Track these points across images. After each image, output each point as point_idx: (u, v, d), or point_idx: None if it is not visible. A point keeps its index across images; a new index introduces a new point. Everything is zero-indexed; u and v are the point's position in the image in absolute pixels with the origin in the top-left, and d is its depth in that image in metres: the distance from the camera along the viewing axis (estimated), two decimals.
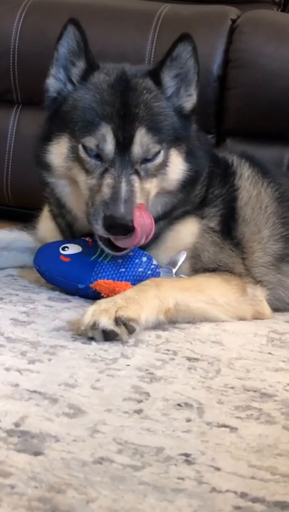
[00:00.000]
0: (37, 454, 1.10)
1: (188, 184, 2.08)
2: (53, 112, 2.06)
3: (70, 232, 2.17)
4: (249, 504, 1.04)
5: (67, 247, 2.06)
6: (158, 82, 2.03)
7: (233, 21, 2.97)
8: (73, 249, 2.06)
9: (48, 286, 2.11)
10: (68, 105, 2.01)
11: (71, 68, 2.03)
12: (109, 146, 1.91)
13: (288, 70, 2.80)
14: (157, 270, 2.04)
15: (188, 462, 1.14)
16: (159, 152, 1.97)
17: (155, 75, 2.03)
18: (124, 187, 1.87)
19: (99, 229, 1.88)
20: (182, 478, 1.09)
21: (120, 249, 1.94)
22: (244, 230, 2.22)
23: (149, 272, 2.03)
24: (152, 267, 2.04)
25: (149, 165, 1.96)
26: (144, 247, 2.07)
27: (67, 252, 2.05)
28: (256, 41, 2.88)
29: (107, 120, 1.93)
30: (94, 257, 2.03)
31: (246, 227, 2.23)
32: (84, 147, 1.94)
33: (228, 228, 2.20)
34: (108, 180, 1.89)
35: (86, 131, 1.94)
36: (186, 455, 1.16)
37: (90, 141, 1.93)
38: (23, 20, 3.04)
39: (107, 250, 1.96)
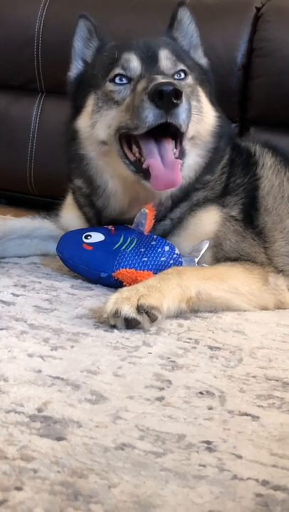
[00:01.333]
0: (59, 439, 1.10)
1: (216, 136, 2.12)
2: (75, 89, 2.15)
3: (97, 219, 2.17)
4: (271, 492, 1.04)
5: (90, 236, 2.07)
6: (173, 39, 2.14)
7: (258, 9, 2.94)
8: (96, 237, 2.06)
9: (70, 274, 2.11)
10: (88, 72, 2.12)
11: (86, 52, 2.14)
12: (135, 63, 1.97)
13: None
14: (179, 259, 2.04)
15: (210, 450, 1.14)
16: (186, 75, 2.02)
17: (169, 34, 2.16)
18: (159, 77, 1.87)
19: (148, 114, 1.81)
20: (204, 466, 1.09)
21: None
22: (266, 219, 2.21)
23: (172, 261, 2.02)
24: (175, 256, 2.04)
25: (183, 83, 1.99)
26: (166, 235, 2.08)
27: (89, 240, 2.05)
28: (281, 30, 2.85)
29: (128, 50, 2.00)
30: (116, 246, 2.03)
31: (268, 217, 2.22)
32: (111, 81, 1.98)
33: (250, 217, 2.19)
34: (142, 83, 1.89)
35: (109, 68, 2.00)
36: (208, 442, 1.16)
37: (116, 71, 1.98)
38: (47, 10, 3.05)
39: (149, 185, 1.88)
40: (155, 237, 2.05)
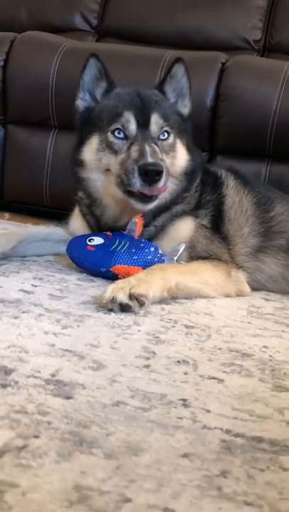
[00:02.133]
0: (68, 398, 1.10)
1: (188, 173, 2.09)
2: (83, 122, 2.08)
3: (97, 226, 2.15)
4: (232, 438, 1.04)
5: (93, 239, 2.06)
6: (163, 92, 2.08)
7: (223, 64, 2.94)
8: (97, 240, 2.05)
9: (77, 270, 2.10)
10: (96, 112, 2.04)
11: (96, 90, 2.07)
12: (132, 126, 1.94)
13: (265, 104, 2.77)
14: (162, 258, 2.04)
15: (185, 405, 1.15)
16: (169, 134, 1.99)
17: (160, 87, 2.09)
18: (148, 148, 1.88)
19: (136, 183, 1.85)
20: (180, 418, 1.09)
21: (148, 201, 1.91)
22: (229, 227, 2.21)
23: (156, 259, 2.02)
24: (158, 255, 2.03)
25: (164, 143, 1.98)
26: (152, 239, 2.08)
27: (92, 243, 2.05)
28: (241, 80, 2.85)
29: (128, 109, 1.96)
30: (113, 247, 2.02)
31: (231, 226, 2.22)
32: (112, 133, 1.95)
33: (217, 226, 2.19)
34: (135, 147, 1.90)
35: (112, 121, 1.96)
36: (184, 400, 1.17)
37: (117, 125, 1.95)
38: (60, 63, 3.02)
39: (138, 205, 1.92)
40: (143, 240, 2.05)
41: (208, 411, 1.13)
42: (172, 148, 2.01)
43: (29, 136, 3.14)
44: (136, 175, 1.84)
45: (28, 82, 3.06)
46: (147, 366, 1.31)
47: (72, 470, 0.87)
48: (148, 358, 1.36)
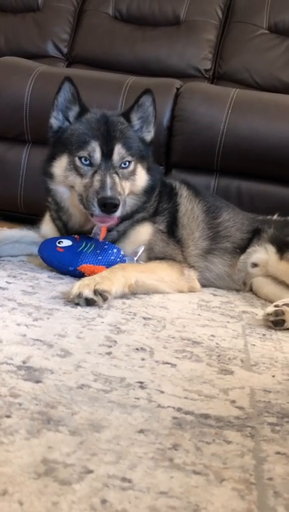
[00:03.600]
0: (38, 381, 1.08)
1: (148, 190, 2.08)
2: (56, 140, 2.03)
3: (65, 230, 2.13)
4: (183, 415, 1.04)
5: (62, 241, 2.03)
6: (128, 120, 2.04)
7: (178, 89, 2.95)
8: (66, 243, 2.03)
9: (48, 269, 2.08)
10: (67, 134, 1.99)
11: (68, 111, 2.02)
12: (97, 155, 1.91)
13: (214, 124, 2.79)
14: (124, 258, 2.03)
15: (142, 387, 1.14)
16: (130, 162, 1.97)
17: (126, 115, 2.05)
18: (109, 179, 1.86)
19: (95, 210, 1.84)
20: (138, 398, 1.08)
21: (106, 222, 1.91)
22: (182, 232, 2.22)
23: (118, 260, 2.01)
24: (120, 255, 2.02)
25: (125, 170, 1.96)
26: (114, 242, 2.07)
27: (61, 244, 2.02)
28: (193, 103, 2.86)
29: (95, 139, 1.92)
30: (80, 249, 2.00)
31: (184, 230, 2.22)
32: (79, 158, 1.92)
33: (172, 230, 2.19)
34: (97, 177, 1.88)
35: (80, 147, 1.92)
36: (141, 383, 1.16)
37: (84, 153, 1.92)
38: (33, 85, 2.98)
39: (98, 224, 1.93)
40: (107, 242, 2.04)
41: (162, 392, 1.13)
42: (132, 173, 1.99)
43: (5, 150, 3.09)
44: (96, 205, 1.84)
45: (4, 102, 3.01)
46: (109, 353, 1.30)
47: (40, 445, 0.85)
48: (110, 346, 1.35)
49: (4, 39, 3.95)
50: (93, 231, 2.02)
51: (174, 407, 1.07)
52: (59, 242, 2.03)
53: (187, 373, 1.25)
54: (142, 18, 3.94)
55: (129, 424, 0.97)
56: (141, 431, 0.95)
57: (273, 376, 1.32)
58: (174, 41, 3.84)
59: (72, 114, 2.01)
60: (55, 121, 2.03)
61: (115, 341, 1.39)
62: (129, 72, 3.58)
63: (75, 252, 2.00)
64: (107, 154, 1.92)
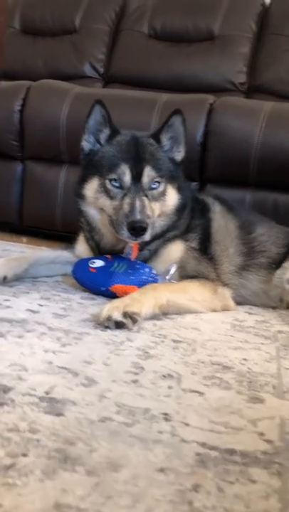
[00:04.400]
0: (59, 415, 1.04)
1: (179, 209, 2.04)
2: (87, 162, 2.03)
3: (98, 250, 2.11)
4: (207, 451, 0.98)
5: (94, 262, 2.01)
6: (158, 140, 2.00)
7: (211, 104, 2.92)
8: (98, 263, 2.00)
9: (81, 289, 2.06)
10: (98, 157, 1.98)
11: (99, 134, 2.00)
12: (127, 178, 1.89)
13: (247, 138, 2.74)
14: (156, 277, 1.99)
15: (167, 419, 1.08)
16: (160, 183, 1.94)
17: (156, 136, 2.01)
18: (138, 203, 1.84)
19: (124, 233, 1.84)
20: (161, 432, 1.03)
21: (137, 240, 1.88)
22: (216, 248, 2.16)
23: (150, 279, 1.96)
24: (152, 275, 1.98)
25: (154, 192, 1.93)
26: (146, 261, 2.03)
27: (94, 265, 2.00)
28: (226, 118, 2.82)
29: (125, 162, 1.90)
30: (112, 269, 1.97)
31: (217, 247, 2.17)
32: (110, 181, 1.91)
33: (205, 247, 2.14)
34: (127, 200, 1.86)
35: (111, 170, 1.91)
36: (165, 414, 1.10)
37: (114, 176, 1.90)
38: (70, 106, 3.01)
39: (130, 240, 1.88)
40: (139, 262, 2.00)
41: (187, 424, 1.07)
42: (163, 194, 1.96)
43: (44, 171, 3.13)
44: (125, 228, 1.82)
45: (42, 124, 3.05)
46: (135, 381, 1.25)
47: (55, 488, 0.81)
48: (136, 374, 1.30)
49: (43, 62, 4.01)
50: (125, 250, 1.99)
51: (198, 442, 1.01)
52: (92, 263, 2.01)
53: (215, 402, 1.19)
54: (176, 35, 3.92)
55: (149, 461, 0.92)
56: (161, 469, 0.90)
57: None
58: (208, 56, 3.81)
59: (103, 136, 1.99)
60: (86, 143, 2.02)
61: (142, 367, 1.34)
62: (164, 89, 3.57)
63: (107, 272, 1.97)
64: (137, 176, 1.89)
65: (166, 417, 1.09)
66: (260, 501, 0.85)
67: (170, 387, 1.25)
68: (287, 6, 3.78)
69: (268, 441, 1.05)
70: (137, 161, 1.91)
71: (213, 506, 0.83)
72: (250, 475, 0.92)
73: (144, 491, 0.84)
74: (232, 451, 0.99)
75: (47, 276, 2.19)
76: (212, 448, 0.99)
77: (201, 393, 1.24)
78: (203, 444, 1.00)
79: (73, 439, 0.96)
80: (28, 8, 4.14)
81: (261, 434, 1.07)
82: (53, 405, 1.08)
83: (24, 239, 3.05)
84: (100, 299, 1.95)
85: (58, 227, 3.12)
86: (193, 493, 0.85)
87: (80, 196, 2.01)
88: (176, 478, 0.88)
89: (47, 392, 1.13)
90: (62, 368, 1.28)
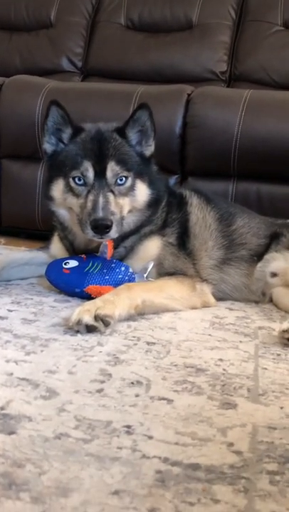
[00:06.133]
0: (11, 433, 0.97)
1: (151, 204, 1.96)
2: (51, 163, 1.95)
3: (72, 249, 2.03)
4: (168, 467, 0.91)
5: (68, 262, 1.93)
6: (123, 135, 1.91)
7: (189, 95, 2.82)
8: (72, 263, 1.92)
9: (55, 291, 1.98)
10: (62, 156, 1.90)
11: (61, 134, 1.91)
12: (90, 174, 1.82)
13: (227, 129, 2.64)
14: (133, 276, 1.91)
15: (129, 433, 1.01)
16: (127, 178, 1.86)
17: (122, 130, 1.92)
18: (101, 199, 1.77)
19: (88, 232, 1.77)
20: (120, 448, 0.96)
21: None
22: (194, 242, 2.08)
23: (127, 278, 1.89)
24: (129, 273, 1.90)
25: (122, 187, 1.85)
26: (123, 259, 1.95)
27: (67, 266, 1.92)
28: (205, 109, 2.73)
29: (87, 158, 1.83)
30: (86, 269, 1.89)
31: (196, 241, 2.08)
32: (73, 179, 1.84)
33: (183, 242, 2.06)
34: (90, 197, 1.79)
35: (74, 168, 1.84)
36: (128, 427, 1.03)
37: (77, 173, 1.83)
38: (44, 101, 2.90)
39: (95, 239, 1.82)
40: (114, 260, 1.92)
41: (151, 437, 1.00)
42: (131, 189, 1.88)
43: (20, 168, 3.03)
44: (88, 227, 1.76)
45: (16, 120, 2.95)
46: (100, 391, 1.18)
47: None
48: (102, 382, 1.23)
49: (19, 57, 3.90)
50: (100, 249, 1.91)
51: (160, 457, 0.94)
52: (65, 263, 1.93)
53: (183, 410, 1.12)
54: (154, 25, 3.82)
55: (103, 483, 0.85)
56: (115, 492, 0.83)
57: (282, 408, 1.17)
58: (187, 46, 3.71)
59: (66, 136, 1.91)
60: (48, 145, 1.94)
61: (110, 375, 1.27)
62: (144, 80, 3.48)
63: (82, 272, 1.89)
64: (101, 173, 1.82)
65: (129, 430, 1.02)
66: None
67: (137, 395, 1.17)
68: None
69: (237, 453, 0.98)
70: (100, 156, 1.83)
71: None
72: (213, 494, 0.85)
73: None
74: (196, 466, 0.92)
75: (21, 279, 2.11)
76: (174, 463, 0.92)
77: (169, 401, 1.16)
78: (165, 460, 0.93)
79: (23, 460, 0.89)
80: (2, 4, 4.02)
81: (230, 445, 1.00)
82: (6, 422, 1.00)
83: (2, 240, 2.96)
84: (74, 301, 1.87)
85: (38, 225, 3.03)
86: None
87: (49, 198, 1.94)
88: (131, 502, 0.81)
89: (2, 408, 1.06)
90: (22, 379, 1.20)
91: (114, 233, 1.78)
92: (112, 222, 1.74)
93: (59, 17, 3.92)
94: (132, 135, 1.92)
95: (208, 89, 2.89)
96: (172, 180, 2.77)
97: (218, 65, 3.65)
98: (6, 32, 4.00)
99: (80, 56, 3.88)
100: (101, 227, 1.74)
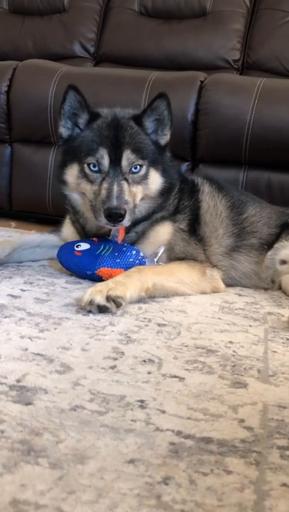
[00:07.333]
0: (28, 404, 0.99)
1: (164, 192, 1.97)
2: (66, 148, 1.95)
3: (83, 233, 2.05)
4: (181, 440, 0.94)
5: (80, 245, 1.95)
6: (140, 123, 1.92)
7: (202, 82, 2.81)
8: (84, 246, 1.94)
9: (67, 273, 2.00)
10: (77, 142, 1.90)
11: (77, 119, 1.92)
12: (106, 162, 1.82)
13: (239, 116, 2.64)
14: (143, 260, 1.92)
15: (142, 407, 1.04)
16: (141, 166, 1.87)
17: (139, 118, 1.92)
18: (115, 188, 1.78)
19: (102, 220, 1.78)
20: (134, 421, 0.98)
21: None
22: (205, 229, 2.09)
23: (137, 262, 1.90)
24: (140, 257, 1.92)
25: (135, 176, 1.86)
26: (134, 243, 1.97)
27: (79, 248, 1.94)
28: (217, 96, 2.72)
29: (103, 146, 1.83)
30: (98, 252, 1.91)
31: (206, 228, 2.10)
32: (88, 165, 1.84)
33: (194, 229, 2.07)
34: (105, 185, 1.80)
35: (90, 154, 1.84)
36: (142, 401, 1.06)
37: (92, 160, 1.84)
38: (57, 85, 2.91)
39: (108, 226, 1.84)
40: (125, 244, 1.94)
41: (163, 412, 1.02)
42: (145, 177, 1.89)
43: (32, 153, 3.04)
44: (102, 215, 1.77)
45: (29, 105, 2.96)
46: (113, 367, 1.20)
47: (13, 483, 0.76)
48: (115, 359, 1.25)
49: (32, 42, 3.90)
50: (111, 233, 1.93)
51: (173, 430, 0.96)
52: (77, 246, 1.95)
53: (195, 388, 1.14)
54: (167, 12, 3.80)
55: (118, 452, 0.87)
56: (131, 461, 0.85)
57: None
58: (200, 33, 3.69)
59: (82, 121, 1.92)
60: (64, 129, 1.94)
61: (122, 353, 1.30)
62: (156, 67, 3.47)
63: (93, 255, 1.91)
64: (116, 160, 1.82)
65: (142, 405, 1.04)
66: (234, 494, 0.80)
67: (149, 373, 1.20)
68: None
69: (248, 429, 1.00)
70: (116, 144, 1.84)
71: (182, 500, 0.78)
72: (225, 465, 0.88)
73: (110, 484, 0.79)
74: (208, 440, 0.94)
75: (32, 261, 2.13)
76: (187, 437, 0.95)
77: (181, 378, 1.19)
78: (178, 433, 0.95)
79: (40, 429, 0.91)
80: None
81: (241, 421, 1.02)
82: (22, 394, 1.03)
83: (13, 223, 2.98)
84: (85, 283, 1.89)
85: (49, 210, 3.04)
86: (162, 486, 0.80)
87: (62, 182, 1.95)
88: (146, 471, 0.83)
89: (18, 381, 1.08)
90: (37, 354, 1.23)
91: (127, 221, 1.79)
92: (125, 211, 1.75)
93: (72, 2, 3.92)
94: (149, 123, 1.92)
95: (221, 77, 2.89)
96: (183, 167, 2.78)
97: (232, 53, 3.64)
98: (19, 16, 4.00)
99: (92, 42, 3.87)
100: (115, 216, 1.75)
